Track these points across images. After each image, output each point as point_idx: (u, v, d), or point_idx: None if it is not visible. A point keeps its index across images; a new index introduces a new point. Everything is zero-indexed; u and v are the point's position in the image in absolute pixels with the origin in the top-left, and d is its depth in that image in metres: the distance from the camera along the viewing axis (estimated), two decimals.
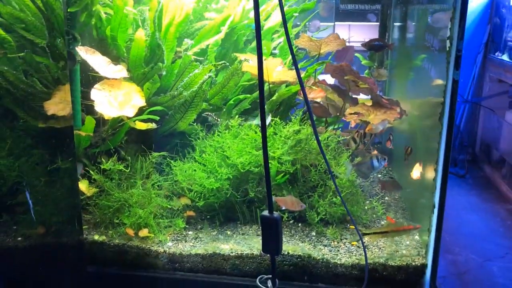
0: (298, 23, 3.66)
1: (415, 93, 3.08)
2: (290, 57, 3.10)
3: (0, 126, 2.63)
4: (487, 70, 5.54)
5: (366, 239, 2.60)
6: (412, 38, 3.19)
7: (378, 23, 3.96)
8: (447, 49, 2.14)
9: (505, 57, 5.03)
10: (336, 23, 4.37)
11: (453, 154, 5.58)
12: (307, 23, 3.84)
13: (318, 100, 3.04)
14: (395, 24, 3.72)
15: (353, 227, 2.70)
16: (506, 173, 4.96)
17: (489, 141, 5.51)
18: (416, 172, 2.65)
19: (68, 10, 2.61)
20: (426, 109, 2.63)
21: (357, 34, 4.43)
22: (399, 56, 3.61)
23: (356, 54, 3.80)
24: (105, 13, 2.83)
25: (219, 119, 2.87)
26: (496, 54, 5.31)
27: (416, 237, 2.63)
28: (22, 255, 2.57)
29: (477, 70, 5.65)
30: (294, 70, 2.70)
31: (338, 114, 3.04)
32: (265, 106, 2.90)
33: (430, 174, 2.37)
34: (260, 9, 3.08)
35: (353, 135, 2.89)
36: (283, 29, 3.14)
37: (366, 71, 3.77)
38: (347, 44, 4.29)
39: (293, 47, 3.11)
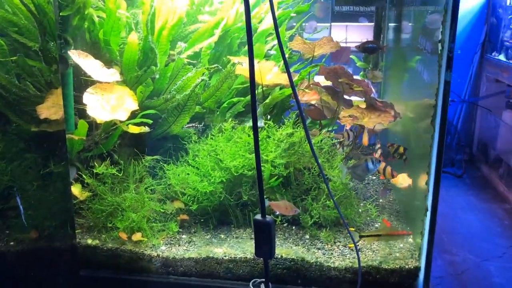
0: (294, 24, 3.65)
1: (410, 95, 3.07)
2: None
3: None
4: (484, 70, 5.53)
5: (362, 241, 2.60)
6: (406, 40, 3.19)
7: (373, 24, 3.96)
8: (439, 52, 2.13)
9: (501, 57, 5.03)
10: (332, 23, 4.36)
11: (450, 154, 5.58)
12: (303, 24, 3.83)
13: (313, 102, 3.04)
14: (389, 26, 3.72)
15: (353, 229, 2.70)
16: (503, 173, 4.96)
17: (486, 141, 5.51)
18: (402, 182, 2.63)
19: (60, 14, 2.60)
20: (421, 110, 2.62)
21: (354, 34, 4.42)
22: (393, 58, 3.60)
23: (351, 56, 3.79)
24: (98, 16, 2.82)
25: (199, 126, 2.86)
26: (493, 54, 5.30)
27: (410, 239, 2.63)
28: (15, 259, 2.56)
29: (474, 70, 5.64)
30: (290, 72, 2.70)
31: (332, 116, 3.04)
32: (259, 109, 2.89)
33: (423, 176, 2.36)
34: (254, 12, 3.07)
35: (344, 135, 2.89)
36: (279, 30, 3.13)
37: (361, 73, 3.76)
38: (344, 44, 4.30)
39: (287, 49, 3.11)
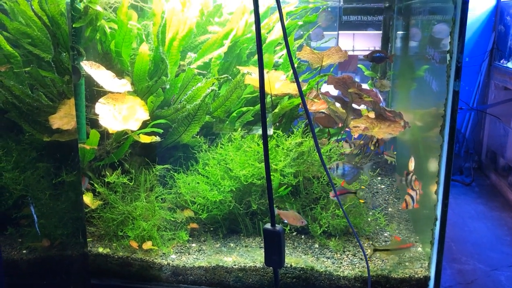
0: (302, 33, 3.67)
1: (418, 104, 3.08)
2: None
3: (6, 139, 2.67)
4: (492, 77, 5.53)
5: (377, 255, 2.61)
6: (414, 49, 3.20)
7: (380, 32, 3.97)
8: (447, 62, 2.15)
9: (510, 65, 5.02)
10: (340, 32, 4.38)
11: (459, 162, 5.56)
12: (310, 33, 3.85)
13: (322, 110, 3.06)
14: (397, 35, 3.73)
15: (375, 246, 2.71)
16: None
17: (495, 148, 5.49)
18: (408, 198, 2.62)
19: (73, 26, 2.65)
20: (429, 119, 2.64)
21: (362, 42, 4.44)
22: (401, 67, 3.62)
23: (359, 65, 3.81)
24: (110, 28, 2.87)
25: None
26: (501, 61, 5.30)
27: (419, 249, 2.63)
28: (27, 267, 2.59)
29: (482, 78, 5.64)
30: (299, 82, 2.71)
31: (341, 125, 3.05)
32: (268, 118, 2.91)
33: (432, 186, 2.37)
34: (263, 23, 3.10)
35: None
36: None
37: (368, 82, 3.78)
38: (352, 53, 4.32)
39: (295, 59, 3.13)
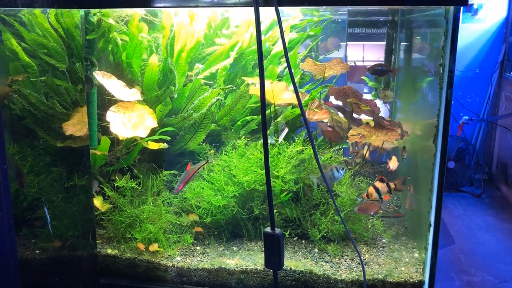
0: (310, 43, 3.77)
1: (419, 114, 3.14)
2: (296, 79, 3.23)
3: (22, 145, 2.81)
4: (503, 89, 5.55)
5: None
6: (415, 61, 3.27)
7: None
8: (440, 75, 2.23)
9: None
10: (348, 43, 4.46)
11: (469, 173, 5.57)
12: (319, 42, 3.95)
13: (325, 120, 3.15)
14: (400, 47, 3.81)
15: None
16: None
17: (505, 160, 5.49)
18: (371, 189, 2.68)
19: (87, 37, 2.79)
20: (427, 130, 2.70)
21: (371, 53, 4.51)
22: (404, 78, 3.68)
23: (362, 77, 3.89)
24: (121, 39, 3.01)
25: None
26: None
27: (416, 255, 2.69)
28: (40, 267, 2.72)
29: (492, 89, 5.66)
30: (299, 93, 2.81)
31: (344, 135, 3.13)
32: (270, 127, 3.01)
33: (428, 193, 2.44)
34: (268, 35, 3.22)
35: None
36: (291, 53, 3.27)
37: (372, 93, 3.85)
38: (361, 63, 4.40)
39: (299, 70, 3.24)
